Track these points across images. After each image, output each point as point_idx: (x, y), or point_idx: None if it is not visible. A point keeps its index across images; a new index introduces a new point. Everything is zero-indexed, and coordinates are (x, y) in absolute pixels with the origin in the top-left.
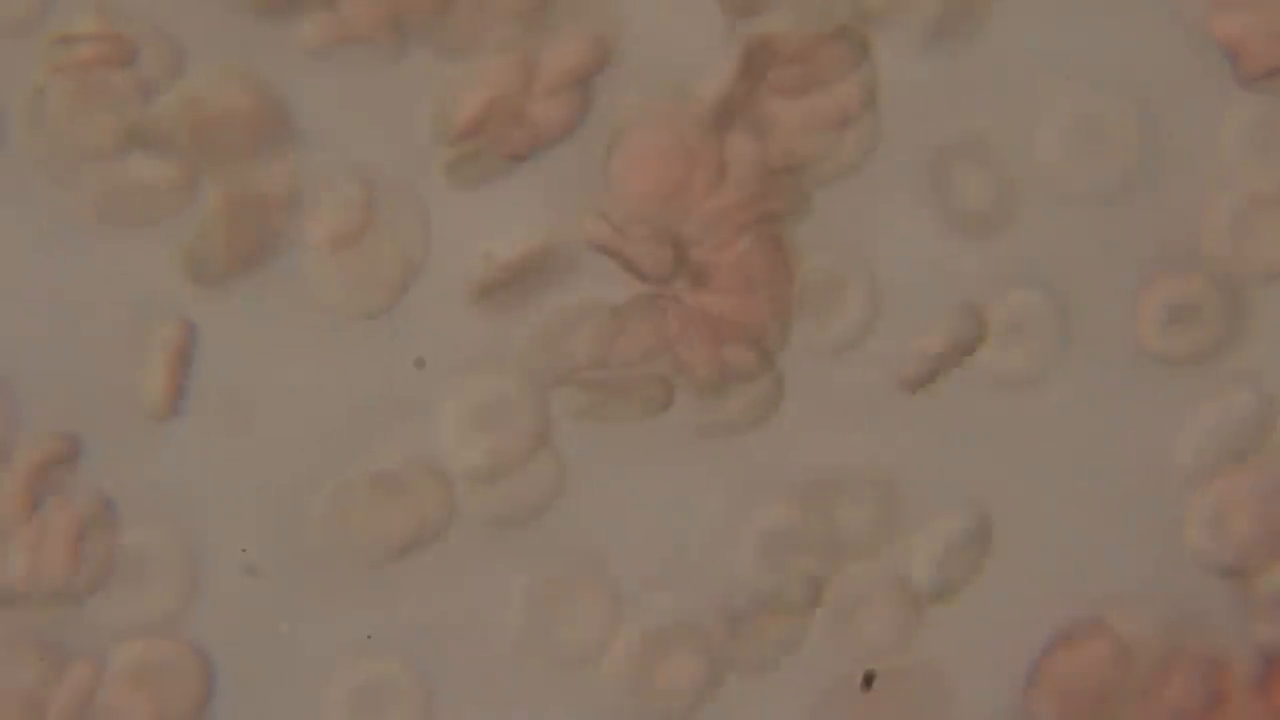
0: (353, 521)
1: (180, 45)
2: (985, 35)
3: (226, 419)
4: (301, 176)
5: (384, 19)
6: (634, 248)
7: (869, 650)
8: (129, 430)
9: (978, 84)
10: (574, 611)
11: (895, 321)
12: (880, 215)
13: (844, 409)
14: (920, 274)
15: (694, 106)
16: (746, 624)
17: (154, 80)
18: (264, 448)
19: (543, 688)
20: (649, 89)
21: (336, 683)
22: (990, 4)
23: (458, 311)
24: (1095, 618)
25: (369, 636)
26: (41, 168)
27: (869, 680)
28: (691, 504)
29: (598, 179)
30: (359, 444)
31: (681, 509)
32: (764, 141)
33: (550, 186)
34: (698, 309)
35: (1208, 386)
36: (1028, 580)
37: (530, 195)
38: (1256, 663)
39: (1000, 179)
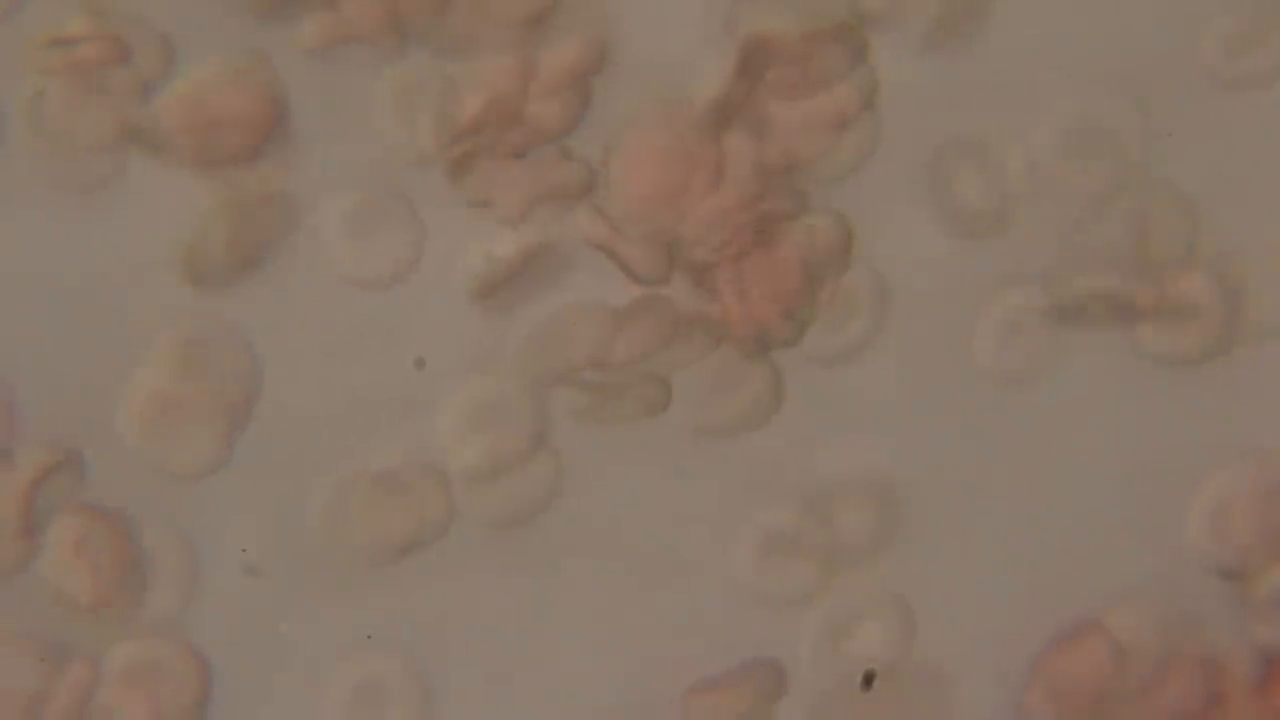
0: (353, 521)
1: (180, 45)
2: (985, 35)
3: (225, 420)
4: (301, 176)
5: (384, 19)
6: (629, 248)
7: (868, 652)
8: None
9: (978, 84)
10: (572, 610)
11: (895, 322)
12: (880, 215)
13: (843, 409)
14: (920, 274)
15: (692, 108)
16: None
17: (153, 80)
18: (264, 448)
19: (543, 687)
20: (647, 90)
21: (336, 682)
22: (990, 4)
23: (458, 311)
24: (1094, 618)
25: (369, 636)
26: (41, 168)
27: (869, 680)
28: (689, 505)
29: (597, 179)
30: (359, 444)
31: (679, 510)
32: (762, 142)
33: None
34: (696, 309)
35: (1207, 386)
36: (1027, 580)
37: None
38: (1256, 663)
39: (1000, 179)
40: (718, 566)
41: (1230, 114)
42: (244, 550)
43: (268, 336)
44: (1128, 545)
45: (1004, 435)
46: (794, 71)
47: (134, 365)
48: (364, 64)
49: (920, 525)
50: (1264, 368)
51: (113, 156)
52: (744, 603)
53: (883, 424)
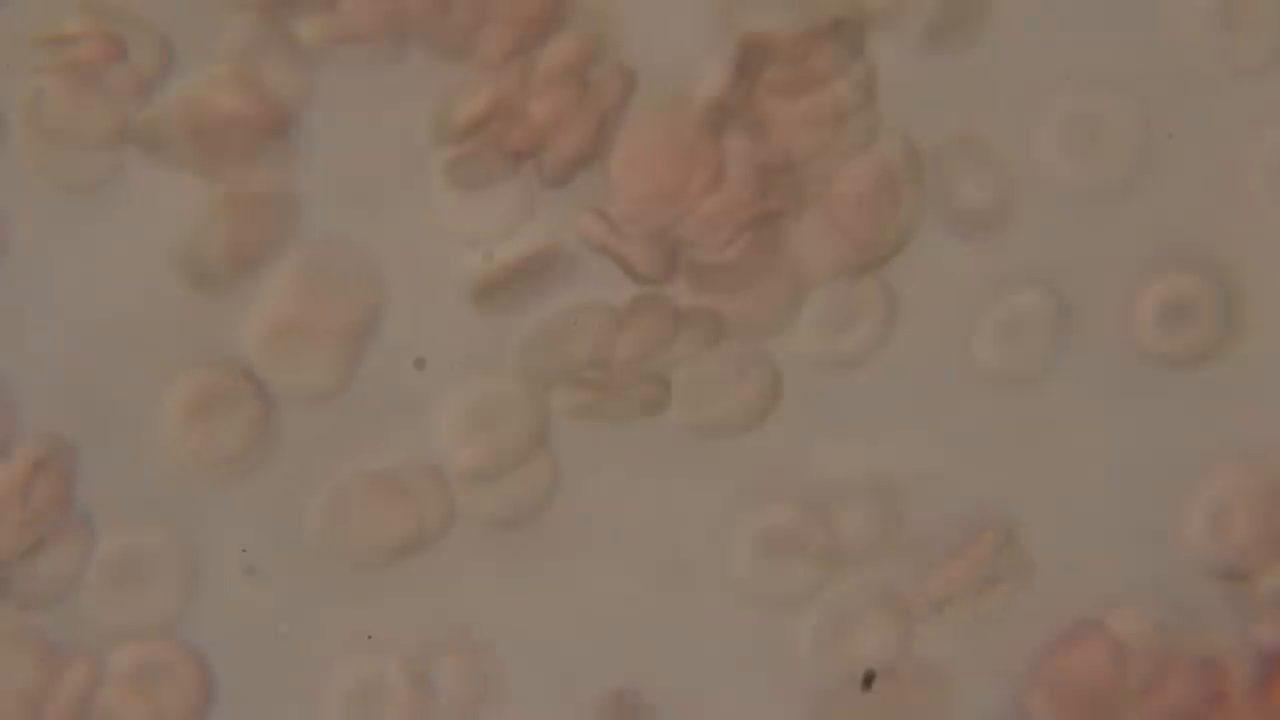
0: (353, 521)
1: (180, 45)
2: (985, 35)
3: (223, 419)
4: (301, 176)
5: (384, 19)
6: (629, 248)
7: (868, 652)
8: (128, 430)
9: (978, 84)
10: (572, 610)
11: (894, 322)
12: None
13: (843, 409)
14: (920, 274)
15: (691, 107)
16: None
17: (152, 80)
18: (264, 447)
19: (542, 687)
20: (646, 89)
21: (336, 682)
22: (990, 2)
23: (458, 311)
24: (1094, 618)
25: (369, 636)
26: (41, 168)
27: (869, 680)
28: (689, 505)
29: (597, 179)
30: (359, 444)
31: (679, 510)
32: (762, 141)
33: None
34: (698, 308)
35: (1207, 386)
36: (1027, 580)
37: (530, 195)
38: (1256, 663)
39: (1000, 179)
40: (718, 566)
41: (1230, 113)
42: (244, 550)
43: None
44: (1128, 545)
45: (1004, 435)
46: (793, 70)
47: (133, 364)
48: (364, 64)
49: (920, 525)
50: (1264, 368)
51: (112, 156)
52: (744, 603)
53: (882, 423)
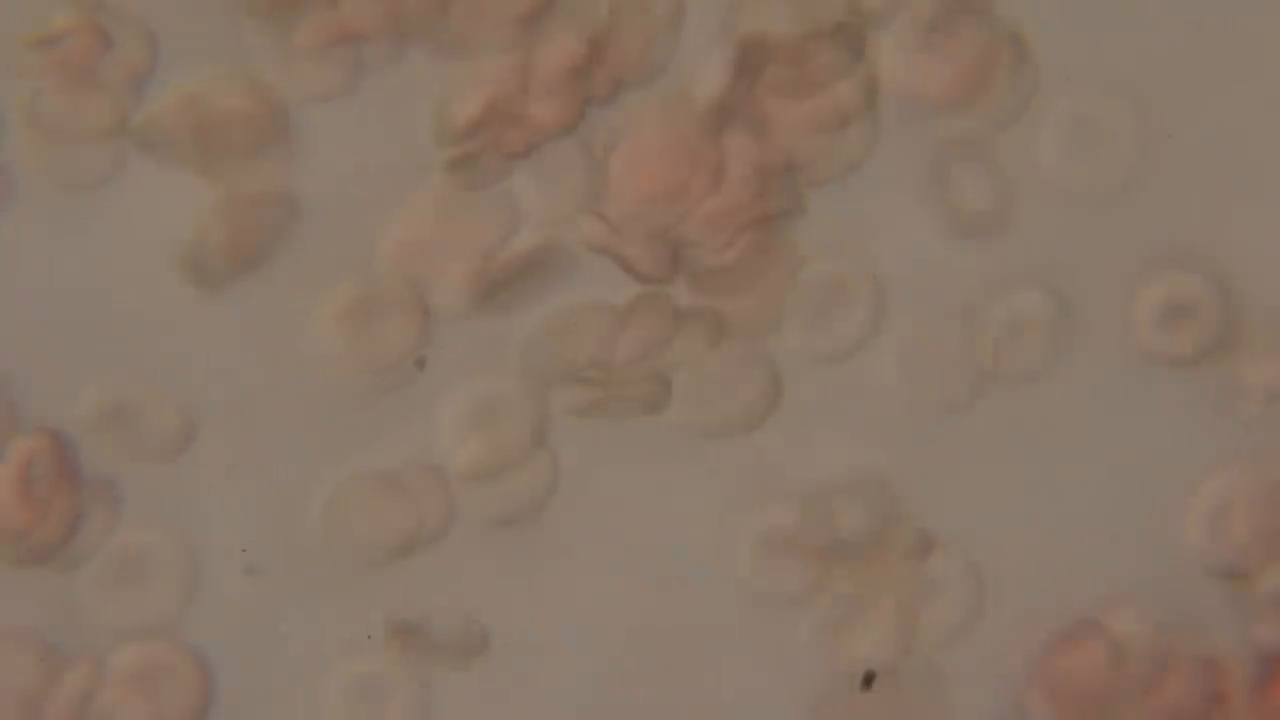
0: (352, 521)
1: (180, 45)
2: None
3: (225, 419)
4: (301, 176)
5: (383, 19)
6: (631, 248)
7: (868, 652)
8: (128, 430)
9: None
10: (571, 610)
11: (895, 322)
12: (880, 215)
13: (843, 410)
14: (920, 274)
15: (691, 107)
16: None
17: (145, 74)
18: (264, 447)
19: (542, 687)
20: (646, 90)
21: (336, 682)
22: (990, 3)
23: (458, 312)
24: (1094, 618)
25: (369, 636)
26: (41, 168)
27: (869, 680)
28: (689, 505)
29: (598, 179)
30: (359, 444)
31: (679, 510)
32: (762, 142)
33: (550, 186)
34: (698, 308)
35: (1207, 386)
36: (1027, 580)
37: (530, 195)
38: (1256, 663)
39: (1000, 179)
40: (718, 566)
41: (1230, 113)
42: (244, 550)
43: (269, 335)
44: (1127, 545)
45: (1004, 435)
46: (793, 71)
47: (133, 364)
48: (364, 64)
49: (920, 525)
50: (1264, 368)
51: (112, 155)
52: (744, 603)
53: (882, 423)
